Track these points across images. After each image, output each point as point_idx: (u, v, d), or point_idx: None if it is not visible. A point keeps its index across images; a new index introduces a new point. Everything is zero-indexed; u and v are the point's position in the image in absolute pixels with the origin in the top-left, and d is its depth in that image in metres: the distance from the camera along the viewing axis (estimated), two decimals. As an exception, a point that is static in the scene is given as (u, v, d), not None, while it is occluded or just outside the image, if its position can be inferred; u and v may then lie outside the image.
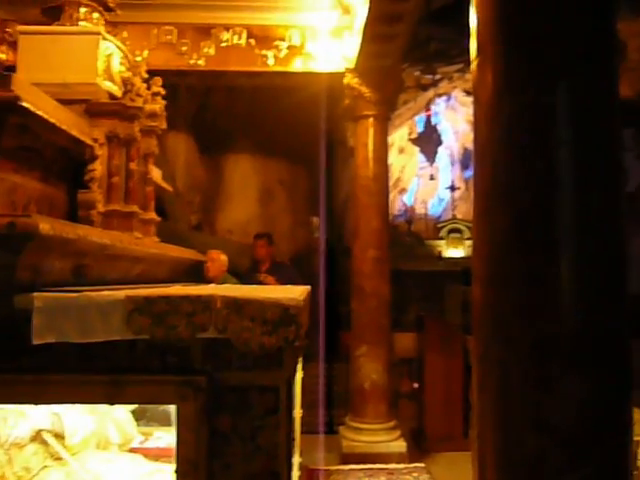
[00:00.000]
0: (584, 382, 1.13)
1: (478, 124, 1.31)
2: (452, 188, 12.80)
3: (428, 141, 11.29)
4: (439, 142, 11.43)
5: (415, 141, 12.04)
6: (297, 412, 3.48)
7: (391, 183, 15.25)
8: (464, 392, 4.84)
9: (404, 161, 14.79)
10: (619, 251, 1.18)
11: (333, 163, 7.56)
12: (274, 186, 6.95)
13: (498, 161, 1.23)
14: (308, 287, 3.02)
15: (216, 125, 6.94)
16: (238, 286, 2.50)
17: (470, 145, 15.64)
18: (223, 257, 4.74)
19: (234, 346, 1.78)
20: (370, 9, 3.56)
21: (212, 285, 2.67)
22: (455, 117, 15.42)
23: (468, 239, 12.17)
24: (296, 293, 2.15)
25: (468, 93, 14.28)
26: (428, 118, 12.22)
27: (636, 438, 2.45)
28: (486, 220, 1.26)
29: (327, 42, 4.69)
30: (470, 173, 15.71)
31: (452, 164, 15.90)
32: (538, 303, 1.15)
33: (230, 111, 7.00)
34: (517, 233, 1.18)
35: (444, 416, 4.92)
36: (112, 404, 1.75)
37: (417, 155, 15.72)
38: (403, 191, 15.52)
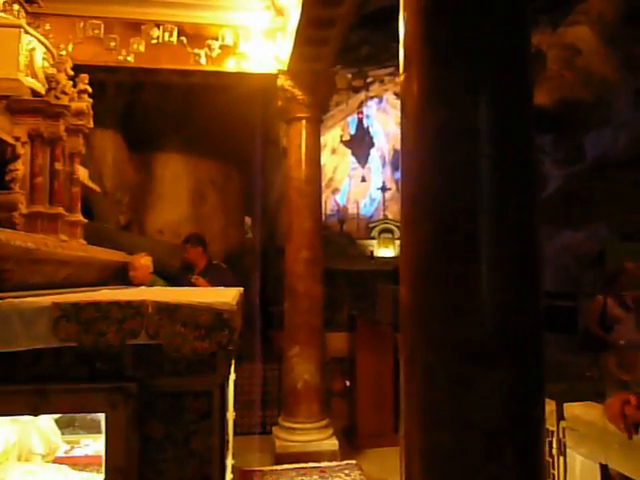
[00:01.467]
0: (502, 379, 1.20)
1: (405, 134, 1.37)
2: (383, 189, 13.09)
3: (360, 143, 11.48)
4: (371, 144, 11.66)
5: (347, 143, 12.20)
6: (230, 414, 3.47)
7: (324, 183, 15.42)
8: (394, 389, 4.98)
9: (336, 162, 14.98)
10: (534, 254, 1.27)
11: (266, 163, 7.55)
12: (206, 186, 6.86)
13: (423, 171, 1.29)
14: (241, 289, 3.01)
15: (147, 123, 6.76)
16: (170, 289, 2.47)
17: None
18: (145, 261, 4.64)
19: (166, 352, 1.77)
20: (302, 13, 3.59)
21: (142, 288, 2.62)
22: (386, 119, 15.77)
23: (399, 239, 12.50)
24: (229, 296, 2.15)
25: (399, 96, 14.65)
26: (360, 120, 12.42)
27: (551, 428, 2.62)
28: (412, 225, 1.31)
29: (260, 43, 4.69)
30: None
31: (383, 165, 16.24)
32: (460, 305, 1.21)
33: (161, 109, 6.84)
34: (440, 239, 1.24)
35: (375, 413, 5.03)
36: (37, 415, 1.69)
37: (349, 156, 15.95)
38: (336, 191, 15.72)
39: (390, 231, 12.52)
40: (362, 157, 12.09)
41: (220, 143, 6.75)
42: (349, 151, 15.99)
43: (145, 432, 1.71)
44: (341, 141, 12.46)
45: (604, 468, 2.29)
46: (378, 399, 5.06)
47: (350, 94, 13.29)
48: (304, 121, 4.64)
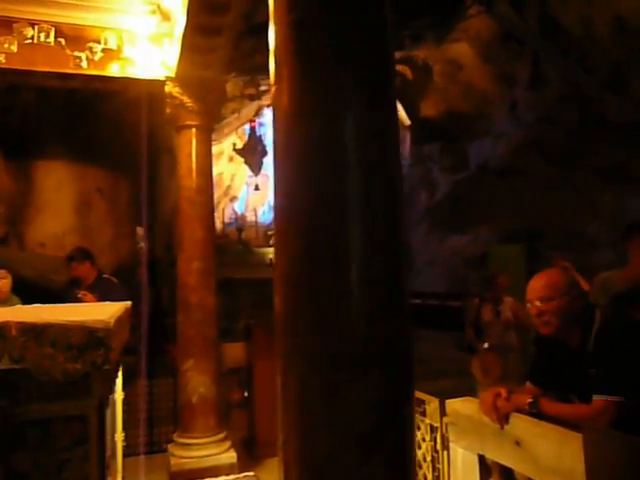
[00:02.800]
0: (372, 384, 1.24)
1: (275, 146, 1.38)
2: (281, 196, 13.11)
3: (253, 152, 11.46)
4: (264, 153, 11.67)
5: (239, 151, 12.14)
6: (119, 435, 3.30)
7: (222, 191, 15.22)
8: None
9: (234, 169, 14.84)
10: (400, 264, 1.32)
11: (159, 171, 7.32)
12: (93, 195, 6.51)
13: (292, 183, 1.30)
14: (128, 303, 2.88)
15: (25, 128, 6.32)
16: (39, 307, 2.31)
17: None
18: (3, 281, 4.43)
19: (34, 376, 1.65)
20: (188, 20, 3.53)
21: (4, 309, 2.41)
22: (283, 127, 15.88)
23: (297, 246, 12.58)
24: (108, 312, 2.04)
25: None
26: (252, 129, 12.40)
27: (435, 424, 2.76)
28: (283, 238, 1.33)
29: (147, 48, 4.54)
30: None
31: (281, 173, 16.33)
32: (329, 316, 1.24)
33: (42, 114, 6.43)
34: (310, 252, 1.26)
35: (273, 422, 5.01)
36: None
37: (247, 163, 15.88)
38: (234, 199, 15.57)
39: (289, 238, 12.57)
40: (255, 165, 12.07)
41: (108, 150, 6.46)
42: (246, 159, 15.93)
43: (11, 465, 1.59)
44: (234, 149, 12.37)
45: (482, 458, 2.44)
46: (276, 408, 5.03)
47: (245, 102, 13.26)
48: (194, 129, 4.55)
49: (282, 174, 1.36)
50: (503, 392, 2.27)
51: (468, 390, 3.71)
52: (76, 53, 4.37)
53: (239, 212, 15.42)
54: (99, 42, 4.42)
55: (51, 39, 4.34)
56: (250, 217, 14.99)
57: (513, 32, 8.64)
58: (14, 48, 4.27)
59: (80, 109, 6.31)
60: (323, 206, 1.26)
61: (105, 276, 5.06)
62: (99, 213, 6.58)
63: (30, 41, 4.30)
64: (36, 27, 4.32)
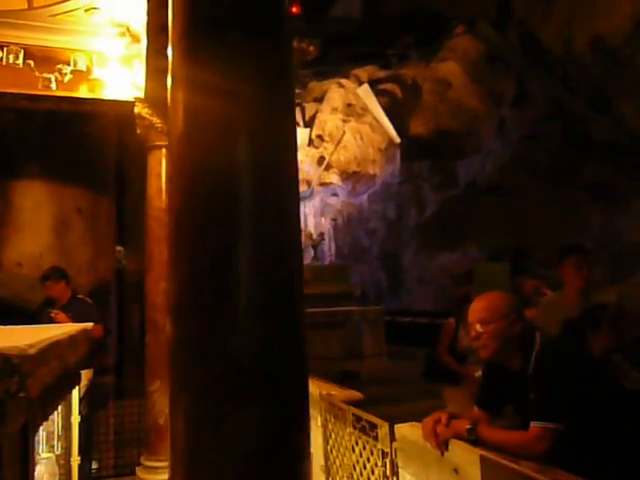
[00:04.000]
0: (255, 420, 1.21)
1: (167, 172, 1.37)
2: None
3: None
4: None
5: None
6: (74, 460, 3.25)
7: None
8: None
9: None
10: (292, 295, 1.30)
11: (139, 191, 7.32)
12: (71, 214, 6.50)
13: (180, 210, 1.29)
14: (88, 325, 2.85)
15: (4, 149, 6.33)
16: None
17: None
18: None
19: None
20: (149, 42, 3.55)
21: None
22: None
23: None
24: (38, 336, 2.01)
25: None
26: None
27: (386, 449, 2.69)
28: (172, 268, 1.31)
29: (117, 69, 4.57)
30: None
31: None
32: (213, 348, 1.21)
33: (22, 134, 6.45)
34: (195, 280, 1.24)
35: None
36: None
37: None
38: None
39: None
40: None
41: (88, 170, 6.47)
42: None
43: None
44: None
45: (428, 485, 2.39)
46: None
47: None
48: (164, 149, 4.55)
49: (172, 199, 1.35)
50: (443, 417, 2.23)
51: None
52: (45, 75, 4.39)
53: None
54: (68, 64, 4.44)
55: (20, 61, 4.36)
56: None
57: (496, 52, 8.71)
58: (-17, 70, 4.30)
59: (61, 129, 6.33)
60: (208, 236, 1.24)
61: (79, 296, 5.04)
62: (78, 233, 6.56)
63: (-1, 63, 4.33)
64: (5, 49, 4.35)
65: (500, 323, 2.16)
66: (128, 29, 4.41)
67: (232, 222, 1.25)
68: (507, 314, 2.19)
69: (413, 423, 2.59)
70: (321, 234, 14.30)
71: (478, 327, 2.21)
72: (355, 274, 13.66)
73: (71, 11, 4.28)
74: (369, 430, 2.86)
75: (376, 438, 2.79)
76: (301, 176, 15.80)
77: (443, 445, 2.19)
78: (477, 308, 2.24)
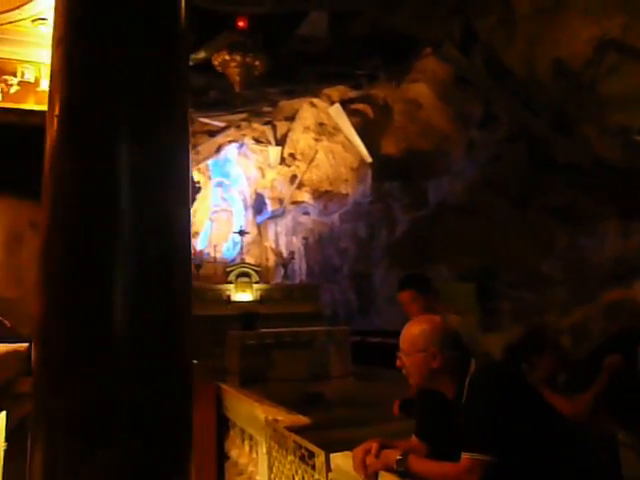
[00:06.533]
0: (123, 453, 1.09)
1: (44, 184, 1.26)
2: (241, 233, 13.03)
3: None
4: (195, 190, 11.62)
5: None
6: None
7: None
8: (217, 443, 4.74)
9: (196, 205, 14.72)
10: (172, 326, 1.20)
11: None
12: (24, 229, 6.29)
13: (50, 224, 1.18)
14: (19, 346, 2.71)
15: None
16: None
17: (261, 190, 16.22)
18: None
19: None
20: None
21: None
22: (247, 163, 15.91)
23: (256, 283, 12.41)
24: None
25: (257, 141, 14.88)
26: None
27: (322, 479, 2.56)
28: (38, 289, 1.19)
29: (66, 82, 4.45)
30: (262, 218, 16.21)
31: (245, 209, 16.27)
32: (73, 379, 1.10)
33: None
34: (60, 303, 1.13)
35: (197, 469, 4.74)
36: None
37: (210, 199, 15.79)
38: (196, 235, 15.40)
39: (248, 275, 12.41)
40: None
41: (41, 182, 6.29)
42: (210, 194, 15.85)
43: None
44: None
45: (362, 519, 2.26)
46: (200, 453, 4.78)
47: (204, 138, 13.26)
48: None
49: (46, 211, 1.24)
50: (373, 447, 2.12)
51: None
52: (-10, 85, 4.26)
53: (202, 248, 15.24)
54: (15, 75, 4.31)
55: (-36, 71, 4.23)
56: (213, 253, 14.80)
57: (462, 73, 8.80)
58: None
59: (17, 143, 6.16)
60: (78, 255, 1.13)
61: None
62: (32, 249, 6.35)
63: (-60, 73, 4.18)
64: (-51, 59, 4.21)
65: (417, 356, 2.06)
66: (78, 41, 4.30)
67: (107, 244, 1.15)
68: (424, 348, 2.06)
69: (347, 452, 2.47)
70: (291, 253, 14.20)
71: (401, 356, 2.11)
72: (326, 293, 13.55)
73: (17, 21, 4.16)
74: (307, 459, 2.73)
75: (313, 467, 2.66)
76: (273, 194, 15.72)
77: (372, 477, 2.07)
78: (402, 336, 2.13)
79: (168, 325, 1.20)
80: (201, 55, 7.58)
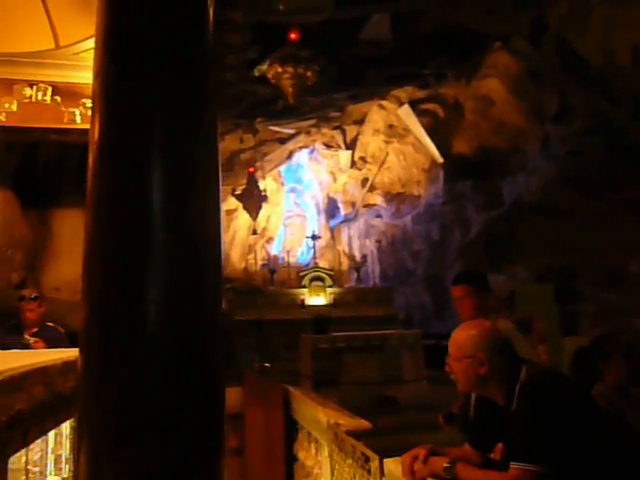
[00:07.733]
0: (150, 456, 1.18)
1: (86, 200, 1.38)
2: (314, 237, 13.19)
3: (250, 197, 11.62)
4: (261, 198, 11.81)
5: (238, 197, 12.32)
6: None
7: (258, 232, 15.44)
8: (286, 445, 4.85)
9: (269, 211, 15.06)
10: (202, 334, 1.26)
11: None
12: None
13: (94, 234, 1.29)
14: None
15: (46, 179, 6.67)
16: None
17: (333, 194, 16.34)
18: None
19: None
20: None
21: None
22: (319, 168, 16.08)
23: (330, 286, 12.51)
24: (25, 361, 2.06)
25: (327, 146, 15.02)
26: (251, 175, 12.58)
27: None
28: (82, 302, 1.30)
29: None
30: (334, 222, 16.32)
31: (318, 213, 16.44)
32: (109, 383, 1.19)
33: (62, 165, 6.77)
34: (97, 315, 1.23)
35: (266, 470, 4.89)
36: None
37: (283, 204, 16.10)
38: (270, 240, 15.75)
39: (321, 279, 12.54)
40: (253, 210, 12.22)
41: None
42: (283, 200, 16.16)
43: None
44: (232, 194, 12.59)
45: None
46: (269, 456, 4.92)
47: (277, 145, 13.55)
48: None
49: (88, 225, 1.35)
50: (421, 454, 2.11)
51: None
52: (70, 109, 4.61)
53: (276, 253, 15.55)
54: (90, 97, 4.63)
55: (48, 97, 4.60)
56: (287, 258, 15.07)
57: (534, 67, 8.47)
58: (14, 107, 4.55)
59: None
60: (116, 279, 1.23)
61: (50, 324, 4.54)
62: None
63: (28, 100, 4.57)
64: (34, 87, 4.60)
65: (464, 362, 2.03)
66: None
67: (144, 253, 1.24)
68: (472, 354, 2.03)
69: (399, 458, 2.47)
70: (364, 256, 14.19)
71: (450, 361, 2.09)
72: (400, 297, 13.42)
73: (93, 49, 4.47)
74: (364, 463, 2.75)
75: (369, 472, 2.68)
76: (345, 198, 15.79)
77: (420, 483, 2.07)
78: (450, 341, 2.11)
79: (198, 335, 1.27)
80: (264, 67, 7.82)
